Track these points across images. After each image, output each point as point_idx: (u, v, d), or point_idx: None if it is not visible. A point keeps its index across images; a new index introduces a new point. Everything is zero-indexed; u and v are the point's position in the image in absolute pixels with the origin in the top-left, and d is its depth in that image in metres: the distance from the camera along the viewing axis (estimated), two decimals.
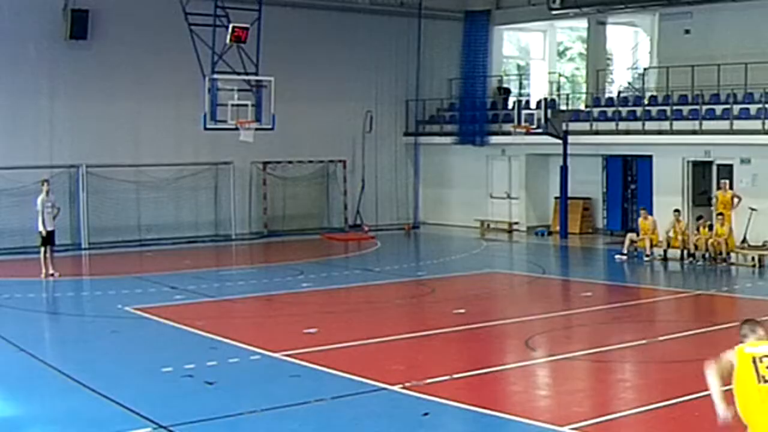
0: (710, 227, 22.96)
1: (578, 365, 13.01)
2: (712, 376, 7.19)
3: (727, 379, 7.08)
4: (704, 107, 25.63)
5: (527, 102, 30.89)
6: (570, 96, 33.01)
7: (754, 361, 6.92)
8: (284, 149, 29.68)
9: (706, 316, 17.00)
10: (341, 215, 31.61)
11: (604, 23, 31.97)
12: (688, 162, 26.60)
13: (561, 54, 38.29)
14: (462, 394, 11.13)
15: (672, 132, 26.17)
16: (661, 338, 14.25)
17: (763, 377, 6.86)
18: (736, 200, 23.50)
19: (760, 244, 23.54)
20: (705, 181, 26.63)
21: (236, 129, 24.70)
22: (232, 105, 24.30)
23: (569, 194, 28.85)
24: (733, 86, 25.12)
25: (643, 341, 13.98)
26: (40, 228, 21.04)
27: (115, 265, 23.64)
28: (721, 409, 7.03)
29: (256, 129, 25.01)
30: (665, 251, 23.45)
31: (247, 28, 24.24)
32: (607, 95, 30.93)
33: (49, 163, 25.96)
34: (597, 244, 27.78)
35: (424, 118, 33.68)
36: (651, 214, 24.71)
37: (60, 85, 26.42)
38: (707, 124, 25.38)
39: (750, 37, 25.97)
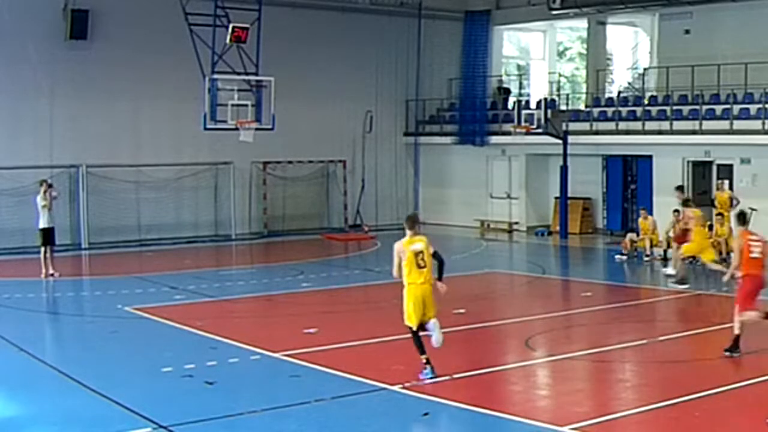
0: (710, 227, 22.94)
1: (578, 365, 13.01)
2: (396, 271, 11.94)
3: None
4: (704, 107, 25.63)
5: (527, 102, 30.90)
6: (570, 96, 33.01)
7: (415, 255, 11.85)
8: (284, 149, 29.68)
9: (706, 316, 16.99)
10: (341, 215, 31.61)
11: (604, 23, 31.96)
12: (688, 162, 26.60)
13: (561, 54, 38.30)
14: (462, 394, 11.13)
15: (672, 132, 26.17)
16: (661, 338, 14.25)
17: (419, 264, 11.87)
18: (734, 201, 23.45)
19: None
20: (705, 181, 26.62)
21: (236, 129, 24.71)
22: (232, 105, 24.32)
23: (569, 194, 28.85)
24: (733, 86, 25.12)
25: (643, 341, 13.98)
26: (41, 224, 21.08)
27: (115, 265, 23.65)
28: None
29: (256, 129, 25.02)
30: (665, 251, 23.44)
31: (247, 28, 24.25)
32: (607, 95, 30.93)
33: (49, 163, 25.97)
34: (597, 244, 27.77)
35: (424, 118, 33.69)
36: (651, 214, 24.71)
37: (60, 85, 26.42)
38: (707, 124, 25.38)
39: (750, 37, 25.98)
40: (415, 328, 11.90)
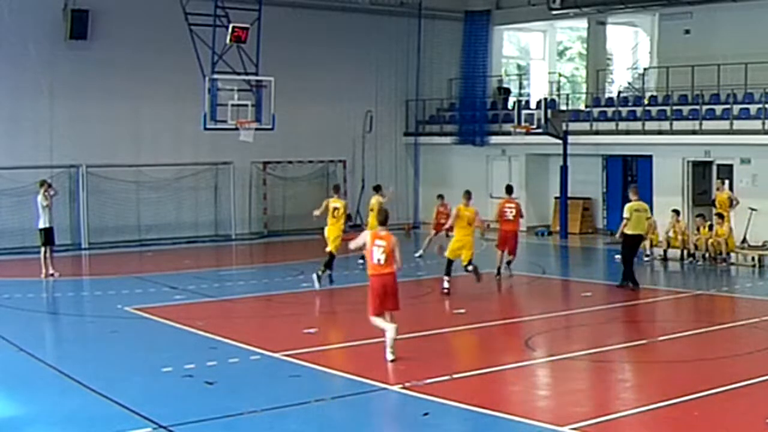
0: (710, 227, 22.96)
1: (578, 365, 13.01)
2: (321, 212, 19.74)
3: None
4: (704, 107, 25.63)
5: (527, 102, 30.90)
6: (570, 96, 33.01)
7: (334, 210, 19.61)
8: (284, 149, 29.69)
9: (706, 316, 17.00)
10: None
11: (604, 23, 31.97)
12: (688, 162, 26.61)
13: (561, 54, 38.31)
14: (462, 394, 11.13)
15: (672, 132, 26.17)
16: (661, 338, 14.25)
17: (334, 215, 19.55)
18: (734, 202, 23.45)
19: (760, 244, 23.54)
20: (705, 181, 26.64)
21: (236, 129, 24.70)
22: (232, 105, 24.30)
23: (569, 194, 28.85)
24: (733, 86, 25.12)
25: (643, 341, 13.98)
26: (41, 224, 21.08)
27: (115, 265, 23.64)
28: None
29: (256, 129, 25.01)
30: (665, 251, 23.46)
31: (247, 28, 24.25)
32: (607, 95, 30.93)
33: (49, 163, 25.97)
34: (597, 244, 27.75)
35: (424, 118, 33.68)
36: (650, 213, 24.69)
37: (60, 85, 26.42)
38: (707, 124, 25.38)
39: (750, 37, 25.99)
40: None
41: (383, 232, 13.33)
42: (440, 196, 25.44)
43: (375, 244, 13.34)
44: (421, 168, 33.58)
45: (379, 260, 13.33)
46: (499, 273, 20.93)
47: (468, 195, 19.29)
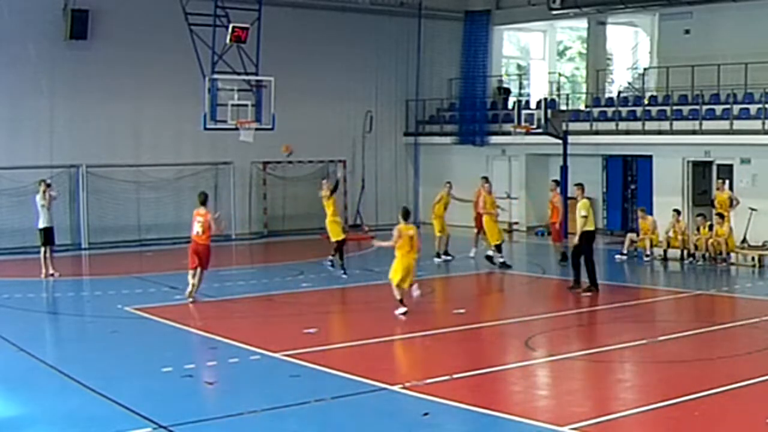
0: (710, 227, 22.96)
1: (578, 365, 13.01)
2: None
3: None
4: (704, 107, 25.62)
5: (527, 102, 30.88)
6: (570, 96, 33.00)
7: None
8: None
9: (706, 316, 17.01)
10: (341, 215, 31.55)
11: (604, 23, 31.96)
12: (688, 162, 26.60)
13: (561, 54, 38.30)
14: (462, 394, 11.13)
15: (672, 132, 26.17)
16: (661, 338, 14.25)
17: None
18: (734, 201, 23.44)
19: (760, 244, 23.54)
20: (705, 181, 26.63)
21: (236, 129, 24.70)
22: (232, 105, 24.29)
23: (569, 194, 28.79)
24: (733, 86, 25.12)
25: (643, 341, 13.98)
26: (41, 224, 21.07)
27: (115, 265, 23.64)
28: None
29: (256, 129, 25.00)
30: (665, 251, 23.46)
31: (247, 28, 24.25)
32: (607, 95, 30.92)
33: (49, 163, 25.96)
34: (597, 244, 27.70)
35: (424, 118, 33.67)
36: (650, 213, 24.71)
37: (60, 85, 26.40)
38: (707, 124, 25.37)
39: (750, 37, 25.98)
40: None
41: (203, 211, 17.84)
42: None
43: (196, 220, 17.83)
44: (421, 168, 33.56)
45: (197, 232, 17.79)
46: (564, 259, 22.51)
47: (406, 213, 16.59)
